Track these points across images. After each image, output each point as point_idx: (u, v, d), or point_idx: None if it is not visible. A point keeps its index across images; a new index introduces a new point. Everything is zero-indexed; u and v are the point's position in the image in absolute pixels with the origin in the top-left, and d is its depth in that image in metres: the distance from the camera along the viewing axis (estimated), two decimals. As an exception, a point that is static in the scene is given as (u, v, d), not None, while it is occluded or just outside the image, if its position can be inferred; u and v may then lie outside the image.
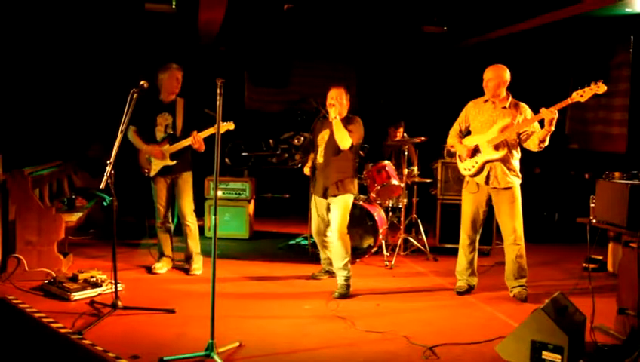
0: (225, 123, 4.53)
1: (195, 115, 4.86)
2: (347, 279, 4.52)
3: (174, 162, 4.81)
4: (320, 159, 4.64)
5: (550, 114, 4.06)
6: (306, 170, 4.92)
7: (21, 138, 6.30)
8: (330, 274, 4.89)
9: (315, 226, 4.84)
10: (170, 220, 5.05)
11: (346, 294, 4.45)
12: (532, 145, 4.30)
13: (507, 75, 4.39)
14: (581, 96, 3.99)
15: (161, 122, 4.85)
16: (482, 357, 3.38)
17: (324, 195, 4.60)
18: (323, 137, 4.67)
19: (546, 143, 4.25)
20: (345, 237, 4.54)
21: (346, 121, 4.53)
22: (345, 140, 4.44)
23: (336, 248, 4.55)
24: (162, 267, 5.02)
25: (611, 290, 4.17)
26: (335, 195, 4.53)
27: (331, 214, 4.61)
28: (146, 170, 4.91)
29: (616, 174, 3.85)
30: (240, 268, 5.29)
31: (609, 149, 7.23)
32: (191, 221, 4.96)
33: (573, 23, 6.41)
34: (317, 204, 4.74)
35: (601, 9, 5.84)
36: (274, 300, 4.37)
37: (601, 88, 3.96)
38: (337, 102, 4.51)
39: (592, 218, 3.79)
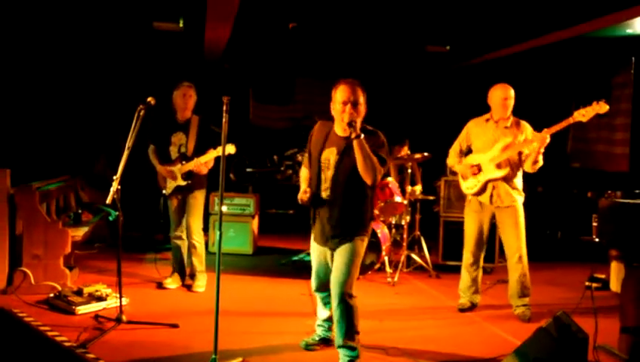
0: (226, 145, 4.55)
1: (207, 134, 4.88)
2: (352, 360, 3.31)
3: (186, 182, 4.83)
4: (324, 194, 3.29)
5: (542, 139, 4.10)
6: (304, 197, 3.36)
7: (29, 153, 6.38)
8: (328, 343, 3.68)
9: (316, 278, 3.56)
10: (183, 236, 5.04)
11: None
12: (526, 167, 4.35)
13: None
14: (583, 115, 4.02)
15: (175, 142, 4.89)
16: (485, 375, 3.39)
17: (325, 245, 3.39)
18: (328, 159, 3.29)
19: (540, 164, 4.28)
20: (351, 299, 3.26)
21: (371, 141, 3.18)
22: (371, 172, 3.11)
23: (338, 314, 3.27)
24: (172, 283, 5.03)
25: (614, 309, 4.17)
26: (341, 243, 3.30)
27: (335, 262, 3.32)
28: (163, 188, 4.98)
29: (619, 193, 3.88)
30: (243, 284, 5.30)
31: (611, 168, 7.26)
32: (197, 239, 4.97)
33: (575, 43, 6.50)
34: (318, 249, 3.50)
35: (602, 30, 5.92)
36: (277, 316, 4.38)
37: (603, 108, 3.98)
38: (353, 107, 3.15)
39: (594, 237, 3.80)
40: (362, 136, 3.09)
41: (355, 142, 3.09)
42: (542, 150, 4.17)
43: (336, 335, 3.33)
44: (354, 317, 3.27)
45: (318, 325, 3.75)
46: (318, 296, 3.67)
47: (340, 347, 3.32)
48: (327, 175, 3.28)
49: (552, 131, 4.14)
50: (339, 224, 3.27)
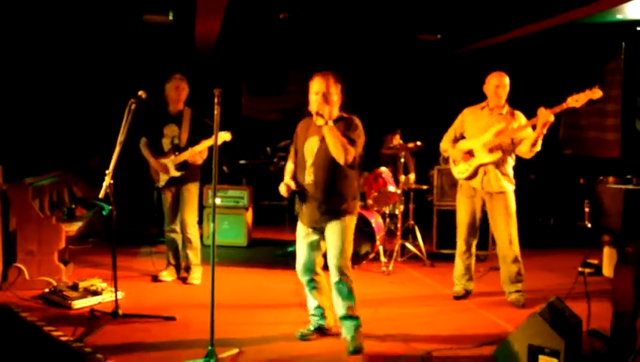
0: (221, 133, 4.54)
1: (200, 125, 4.88)
2: (357, 328, 3.57)
3: (180, 173, 4.83)
4: (309, 178, 3.51)
5: (547, 115, 4.03)
6: (283, 189, 3.59)
7: (22, 148, 6.34)
8: (323, 332, 3.78)
9: (301, 262, 3.67)
10: (178, 229, 5.05)
11: (361, 347, 3.51)
12: (524, 149, 4.30)
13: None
14: (576, 101, 3.99)
15: (167, 133, 4.88)
16: (479, 361, 3.42)
17: (315, 226, 3.56)
18: (311, 148, 3.53)
19: (538, 148, 4.24)
20: (348, 273, 3.53)
21: (343, 126, 3.48)
22: (341, 153, 3.37)
23: (336, 290, 3.54)
24: (167, 275, 5.04)
25: (607, 294, 4.21)
26: (330, 219, 3.50)
27: (329, 242, 3.54)
28: (156, 181, 4.96)
29: (610, 179, 3.91)
30: (238, 276, 5.31)
31: (603, 155, 7.30)
32: (192, 232, 4.97)
33: (566, 29, 6.51)
34: (305, 232, 3.64)
35: (593, 16, 5.93)
36: (272, 307, 4.40)
37: (597, 93, 3.95)
38: (324, 98, 3.42)
39: (587, 222, 3.83)
40: (330, 123, 3.38)
41: (324, 129, 3.38)
42: (545, 131, 4.11)
43: (338, 309, 3.56)
44: (352, 291, 3.53)
45: (312, 314, 3.80)
46: (304, 282, 3.75)
47: (342, 318, 3.55)
48: (310, 162, 3.52)
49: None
50: (324, 203, 3.49)
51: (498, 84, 4.40)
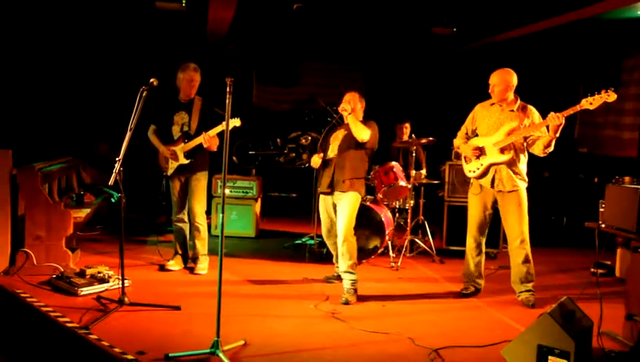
0: (231, 119, 4.51)
1: (210, 114, 4.86)
2: (353, 283, 4.37)
3: (189, 161, 4.82)
4: (331, 154, 4.55)
5: (556, 120, 3.98)
6: (316, 160, 4.66)
7: (31, 134, 6.35)
8: (341, 279, 4.58)
9: (324, 228, 4.72)
10: (186, 218, 5.04)
11: (352, 300, 4.29)
12: (537, 150, 4.25)
13: (514, 79, 4.35)
14: (590, 103, 3.90)
15: (177, 121, 4.87)
16: (488, 361, 3.37)
17: (332, 190, 4.49)
18: (337, 136, 4.61)
19: (551, 149, 4.19)
20: (351, 238, 4.40)
21: (363, 124, 4.51)
22: (362, 131, 4.39)
23: (340, 250, 4.41)
24: (175, 265, 5.03)
25: (619, 296, 4.15)
26: (343, 191, 4.41)
27: (337, 213, 4.48)
28: (165, 169, 4.93)
29: (627, 179, 3.82)
30: (246, 267, 5.29)
31: (619, 153, 7.18)
32: (200, 222, 4.96)
33: (585, 25, 6.38)
34: (324, 203, 4.63)
35: (612, 12, 5.80)
36: (279, 299, 4.37)
37: (612, 96, 3.86)
38: (350, 105, 4.53)
39: (600, 223, 3.76)
40: (352, 113, 4.49)
41: (348, 118, 4.46)
42: (557, 135, 4.06)
43: (341, 265, 4.45)
44: (353, 252, 4.40)
45: (336, 267, 4.76)
46: (328, 244, 4.80)
47: (343, 272, 4.41)
48: (335, 144, 4.58)
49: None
50: (342, 173, 4.45)
51: (494, 83, 4.35)
